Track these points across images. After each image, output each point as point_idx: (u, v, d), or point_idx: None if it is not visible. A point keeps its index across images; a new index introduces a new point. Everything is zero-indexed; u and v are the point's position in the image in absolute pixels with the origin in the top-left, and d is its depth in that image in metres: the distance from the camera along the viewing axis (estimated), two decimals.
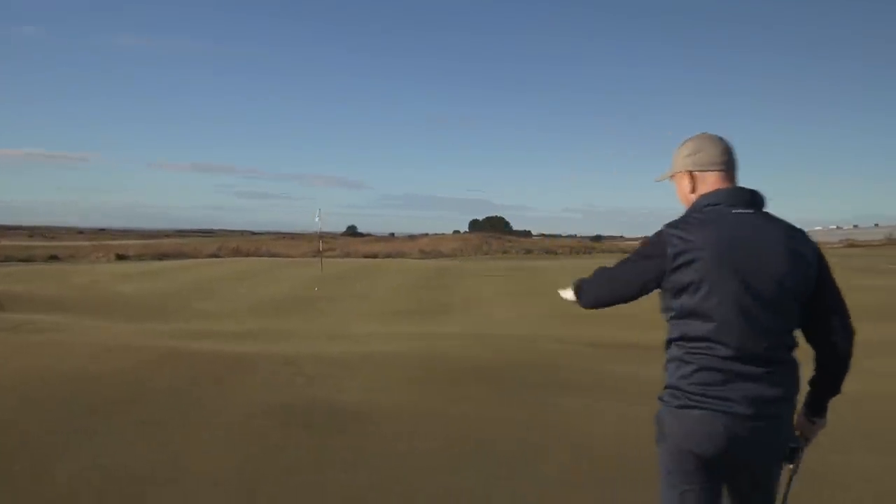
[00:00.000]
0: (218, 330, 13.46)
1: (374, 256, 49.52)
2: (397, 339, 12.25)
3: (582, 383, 8.47)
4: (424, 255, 54.49)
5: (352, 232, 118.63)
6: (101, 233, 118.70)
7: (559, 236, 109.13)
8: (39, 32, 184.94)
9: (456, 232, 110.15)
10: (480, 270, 30.59)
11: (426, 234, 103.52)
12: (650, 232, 2.66)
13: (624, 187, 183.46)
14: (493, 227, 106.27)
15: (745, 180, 2.64)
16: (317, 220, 28.85)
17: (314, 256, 34.78)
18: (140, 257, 44.48)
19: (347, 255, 50.88)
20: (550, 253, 57.15)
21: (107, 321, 14.91)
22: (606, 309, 2.83)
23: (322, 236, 29.40)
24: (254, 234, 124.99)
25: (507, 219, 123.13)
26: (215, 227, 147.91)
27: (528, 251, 59.73)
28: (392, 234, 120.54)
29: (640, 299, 2.67)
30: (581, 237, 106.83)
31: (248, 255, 47.54)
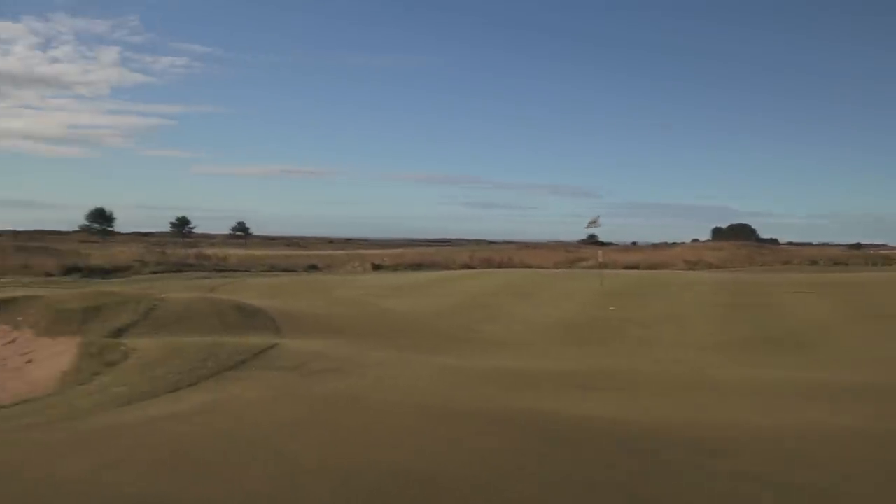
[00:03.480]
0: (529, 369, 10.30)
1: (636, 267, 45.11)
2: (796, 394, 8.34)
3: None
4: (690, 265, 49.33)
5: (593, 241, 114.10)
6: (348, 242, 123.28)
7: (809, 244, 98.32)
8: (283, 59, 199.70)
9: (695, 240, 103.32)
10: (782, 285, 25.44)
11: (665, 243, 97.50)
12: None
13: (877, 192, 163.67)
14: (737, 235, 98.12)
15: None
16: (589, 228, 25.29)
17: (593, 268, 31.50)
18: (395, 267, 43.54)
19: (604, 265, 47.10)
20: (840, 264, 49.53)
21: (390, 349, 12.32)
22: None
23: (602, 247, 25.85)
24: (490, 243, 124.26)
25: (752, 226, 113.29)
26: (450, 237, 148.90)
27: (786, 262, 52.39)
28: (634, 243, 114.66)
29: None
30: (834, 245, 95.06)
31: (500, 265, 45.25)
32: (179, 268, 39.23)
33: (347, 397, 7.32)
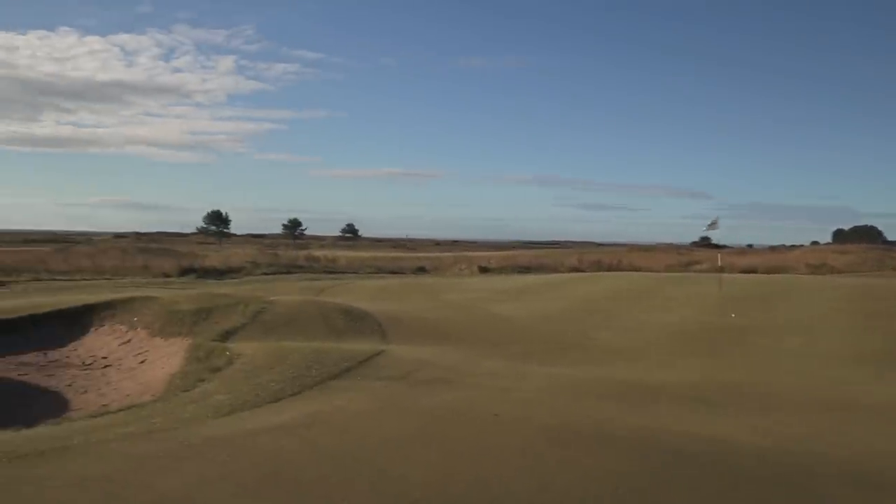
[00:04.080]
0: (648, 381, 9.56)
1: (754, 271, 42.93)
2: None
3: None
4: (813, 269, 46.65)
5: (706, 243, 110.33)
6: (454, 244, 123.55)
7: None
8: (393, 62, 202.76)
9: (815, 243, 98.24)
10: None
11: (783, 246, 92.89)
12: None
13: None
14: (861, 238, 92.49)
15: None
16: (708, 230, 24.00)
17: (708, 272, 30.09)
18: (502, 269, 43.00)
19: (721, 269, 45.12)
20: None
21: (500, 357, 11.79)
22: None
23: (720, 250, 24.50)
24: (598, 245, 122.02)
25: (878, 227, 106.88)
26: (557, 239, 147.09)
27: None
28: (750, 246, 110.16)
29: None
30: None
31: (609, 268, 44.01)
32: (290, 269, 39.94)
33: (456, 411, 6.83)
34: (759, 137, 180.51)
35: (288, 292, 22.25)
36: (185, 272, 34.53)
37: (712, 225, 24.71)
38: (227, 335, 12.95)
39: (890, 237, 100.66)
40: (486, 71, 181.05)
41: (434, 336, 13.90)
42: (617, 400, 7.91)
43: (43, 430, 6.58)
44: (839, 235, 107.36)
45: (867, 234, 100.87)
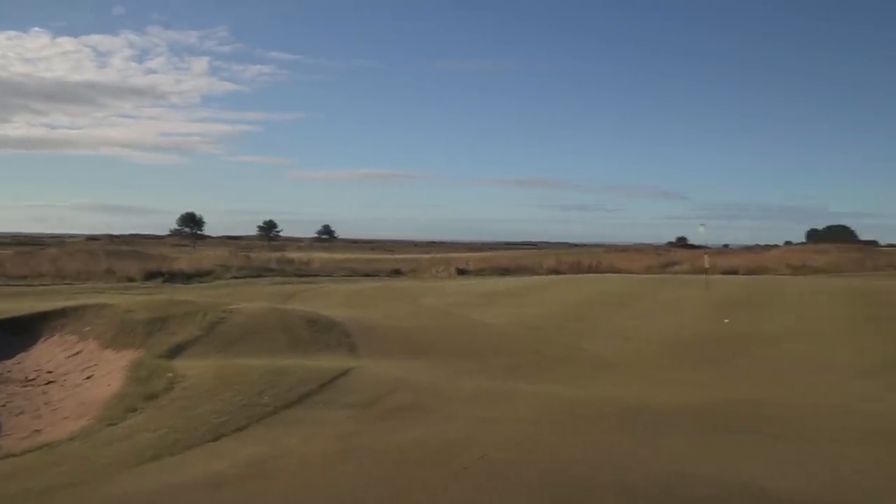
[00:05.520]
0: (654, 403, 8.41)
1: (735, 272, 42.06)
2: None
3: None
4: (794, 270, 45.94)
5: (682, 244, 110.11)
6: (432, 245, 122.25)
7: None
8: (370, 64, 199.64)
9: (788, 243, 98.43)
10: None
11: (758, 245, 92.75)
12: None
13: None
14: (835, 237, 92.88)
15: None
16: (700, 231, 23.10)
17: (689, 273, 29.15)
18: (480, 271, 41.80)
19: (706, 270, 44.23)
20: None
21: (484, 375, 10.61)
22: None
23: (707, 252, 23.59)
24: (574, 245, 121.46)
25: (851, 227, 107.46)
26: (534, 240, 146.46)
27: None
28: (726, 246, 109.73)
29: None
30: None
31: (589, 269, 42.97)
32: (261, 272, 38.52)
33: (434, 453, 5.62)
34: (735, 138, 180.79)
35: (253, 298, 20.93)
36: (150, 276, 32.97)
37: (702, 228, 24.13)
38: (179, 349, 11.64)
39: (863, 237, 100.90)
40: (463, 73, 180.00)
41: (409, 348, 12.66)
42: (624, 431, 6.73)
43: None
44: (813, 235, 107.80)
45: (841, 234, 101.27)
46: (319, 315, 14.96)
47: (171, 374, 8.86)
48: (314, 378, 8.45)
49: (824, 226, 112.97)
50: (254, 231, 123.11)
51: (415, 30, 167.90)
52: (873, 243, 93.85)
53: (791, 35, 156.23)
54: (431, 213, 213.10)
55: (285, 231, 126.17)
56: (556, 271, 42.14)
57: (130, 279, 32.23)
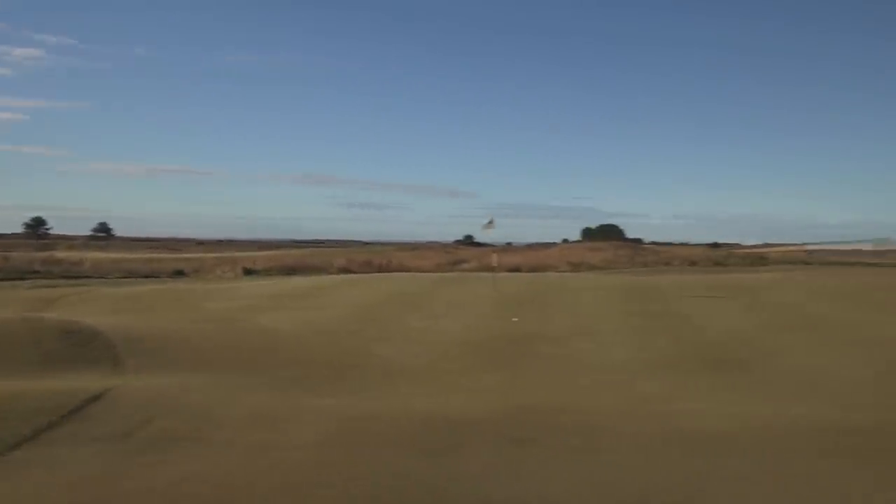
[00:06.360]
0: (449, 413, 7.97)
1: (518, 269, 43.45)
2: (810, 448, 6.30)
3: None
4: (574, 267, 48.33)
5: (469, 241, 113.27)
6: (219, 244, 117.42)
7: (671, 244, 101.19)
8: (150, 52, 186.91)
9: (565, 241, 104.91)
10: (683, 288, 23.96)
11: (538, 243, 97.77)
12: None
13: (732, 195, 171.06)
14: (606, 235, 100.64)
15: None
16: (485, 229, 23.47)
17: (476, 270, 29.48)
18: (268, 271, 40.28)
19: (490, 268, 45.35)
20: (719, 264, 49.70)
21: (268, 388, 9.70)
22: None
23: (496, 250, 23.93)
24: (365, 244, 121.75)
25: (619, 226, 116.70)
26: (326, 238, 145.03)
27: (667, 263, 52.52)
28: (509, 244, 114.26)
29: None
30: (694, 244, 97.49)
31: (380, 268, 42.75)
32: (23, 275, 34.84)
33: (200, 497, 4.71)
34: (520, 139, 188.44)
35: (5, 305, 18.49)
36: None
37: (489, 224, 24.43)
38: None
39: (629, 234, 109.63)
40: (253, 67, 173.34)
41: (184, 360, 11.43)
42: (421, 451, 6.14)
43: None
44: (587, 233, 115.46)
45: (611, 232, 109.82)
46: (81, 324, 13.25)
47: None
48: (61, 403, 7.14)
49: (597, 224, 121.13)
50: (19, 229, 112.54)
51: (193, 19, 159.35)
52: (639, 241, 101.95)
53: (573, 43, 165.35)
54: (220, 210, 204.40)
55: (56, 228, 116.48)
56: (347, 270, 41.50)
57: None
